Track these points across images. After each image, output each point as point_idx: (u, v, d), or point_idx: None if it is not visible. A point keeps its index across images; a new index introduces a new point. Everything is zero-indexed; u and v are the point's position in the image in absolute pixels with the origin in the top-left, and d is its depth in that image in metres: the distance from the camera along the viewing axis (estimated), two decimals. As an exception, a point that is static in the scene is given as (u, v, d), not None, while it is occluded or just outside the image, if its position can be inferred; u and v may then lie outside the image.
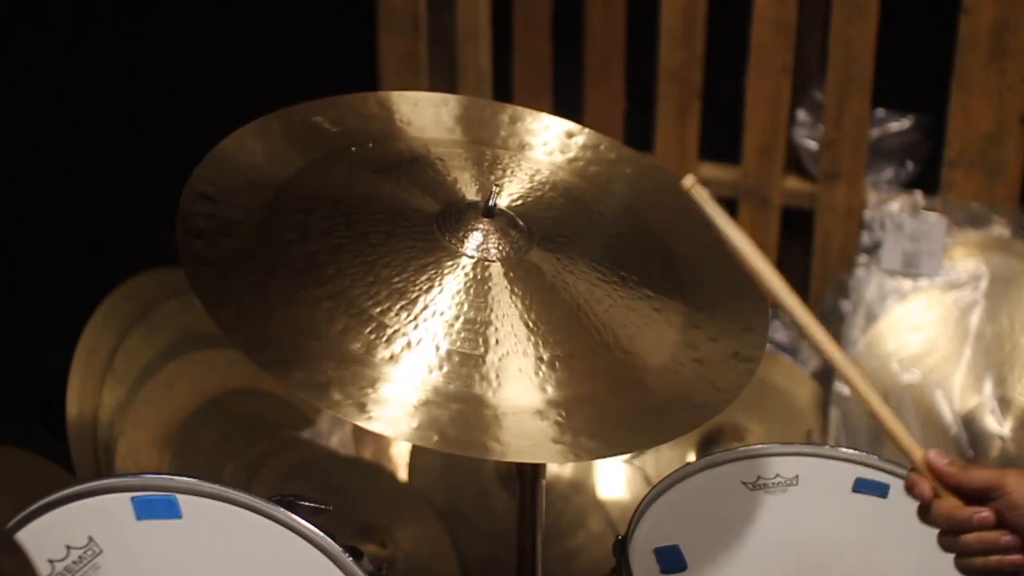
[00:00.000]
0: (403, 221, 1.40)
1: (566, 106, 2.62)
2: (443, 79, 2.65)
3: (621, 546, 1.44)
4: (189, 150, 1.42)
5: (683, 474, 1.55)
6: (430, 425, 1.23)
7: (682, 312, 1.42)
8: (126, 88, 2.19)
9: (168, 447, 2.12)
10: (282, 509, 1.38)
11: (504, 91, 2.66)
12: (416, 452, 2.37)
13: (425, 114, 1.57)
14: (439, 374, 1.27)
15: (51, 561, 1.26)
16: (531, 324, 1.33)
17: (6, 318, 2.04)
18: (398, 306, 1.31)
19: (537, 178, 1.53)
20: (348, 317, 1.28)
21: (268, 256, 1.32)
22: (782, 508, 1.53)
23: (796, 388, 2.46)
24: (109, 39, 2.16)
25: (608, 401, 1.31)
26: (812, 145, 2.52)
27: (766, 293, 1.31)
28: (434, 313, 1.31)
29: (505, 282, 1.36)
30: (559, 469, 2.31)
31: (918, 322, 2.41)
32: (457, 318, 1.31)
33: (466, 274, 1.35)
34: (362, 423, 1.21)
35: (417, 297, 1.32)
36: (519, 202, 1.48)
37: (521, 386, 1.28)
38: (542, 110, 1.64)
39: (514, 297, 1.35)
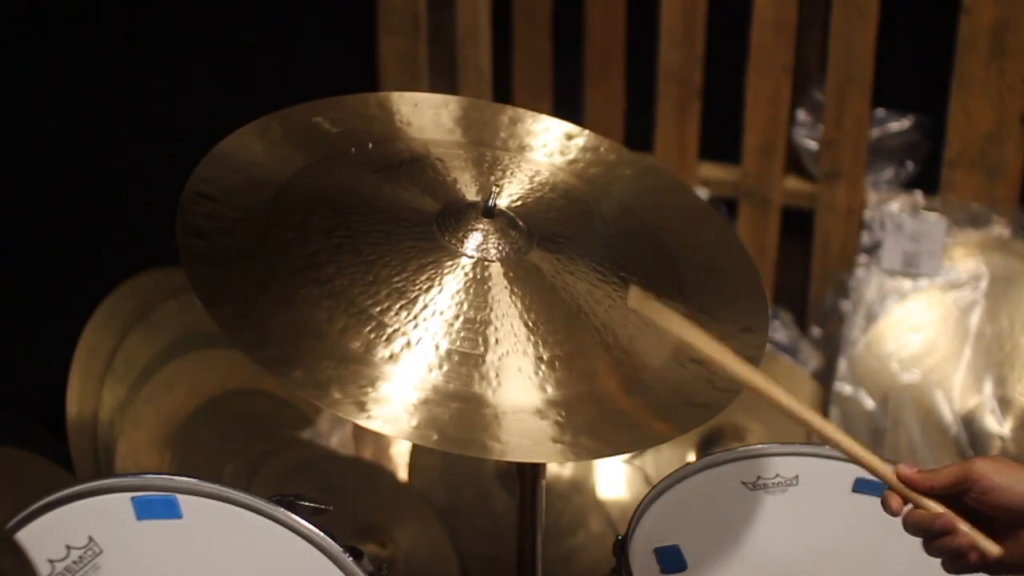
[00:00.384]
0: (403, 221, 1.40)
1: (566, 106, 2.62)
2: (443, 79, 2.65)
3: (621, 546, 1.44)
4: (189, 150, 1.42)
5: (683, 474, 1.54)
6: (430, 424, 1.23)
7: (682, 312, 1.42)
8: (126, 88, 2.19)
9: (168, 447, 2.12)
10: (282, 509, 1.38)
11: (504, 91, 2.66)
12: (416, 452, 2.37)
13: (425, 115, 1.57)
14: (439, 373, 1.27)
15: (51, 561, 1.26)
16: (531, 324, 1.33)
17: (6, 318, 2.04)
18: (398, 305, 1.31)
19: (537, 179, 1.53)
20: (348, 316, 1.28)
21: (268, 256, 1.32)
22: (782, 508, 1.53)
23: (796, 388, 2.45)
24: (109, 39, 2.16)
25: (608, 401, 1.31)
26: (812, 145, 2.51)
27: (736, 382, 1.30)
28: (434, 312, 1.31)
29: (505, 282, 1.36)
30: (559, 469, 2.30)
31: (918, 322, 2.40)
32: (457, 317, 1.31)
33: (466, 274, 1.35)
34: (362, 422, 1.22)
35: (417, 296, 1.32)
36: (519, 203, 1.48)
37: (521, 385, 1.28)
38: (542, 110, 1.64)
39: (514, 297, 1.35)
